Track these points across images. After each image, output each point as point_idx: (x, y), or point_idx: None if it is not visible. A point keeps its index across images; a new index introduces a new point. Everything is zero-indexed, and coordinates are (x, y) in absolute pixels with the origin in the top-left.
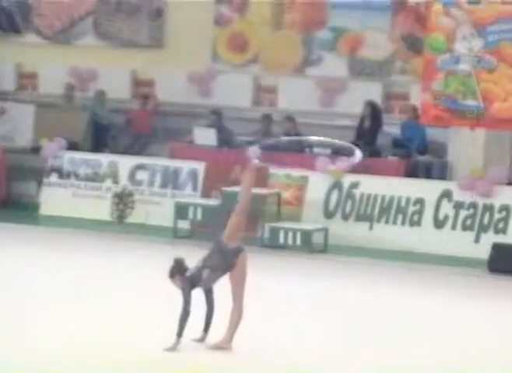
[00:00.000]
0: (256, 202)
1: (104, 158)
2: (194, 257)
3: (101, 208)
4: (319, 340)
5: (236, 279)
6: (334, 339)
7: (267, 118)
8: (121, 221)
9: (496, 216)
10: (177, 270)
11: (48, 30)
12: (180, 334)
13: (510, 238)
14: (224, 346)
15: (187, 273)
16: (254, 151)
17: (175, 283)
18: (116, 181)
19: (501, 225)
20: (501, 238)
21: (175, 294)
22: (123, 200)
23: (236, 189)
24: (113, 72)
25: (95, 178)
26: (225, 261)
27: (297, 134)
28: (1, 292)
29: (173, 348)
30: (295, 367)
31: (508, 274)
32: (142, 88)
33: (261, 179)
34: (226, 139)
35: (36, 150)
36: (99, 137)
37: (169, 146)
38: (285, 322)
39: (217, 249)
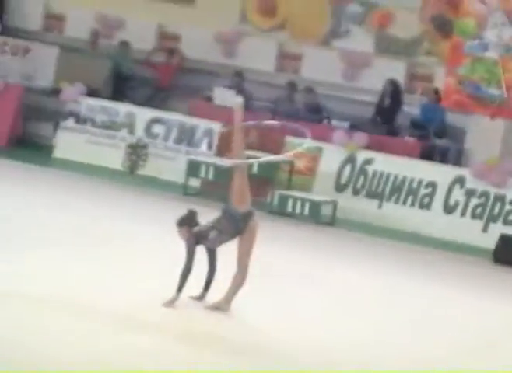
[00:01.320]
0: (268, 168)
1: (122, 108)
2: (201, 216)
3: (114, 157)
4: (312, 313)
5: (245, 244)
6: (325, 313)
7: (291, 86)
8: (133, 172)
9: (507, 207)
10: (187, 220)
11: None
12: (179, 289)
13: None
14: (222, 307)
15: (195, 228)
16: (237, 104)
17: (181, 233)
18: (132, 132)
19: (511, 217)
20: (509, 230)
21: (178, 250)
22: (136, 152)
23: (249, 153)
24: (140, 23)
25: (111, 126)
26: (234, 226)
27: (317, 106)
28: (6, 229)
29: (171, 303)
30: (288, 337)
31: None
32: (167, 42)
33: (277, 145)
34: (245, 102)
35: (55, 92)
36: (120, 87)
37: (188, 102)
38: (283, 292)
39: (227, 213)
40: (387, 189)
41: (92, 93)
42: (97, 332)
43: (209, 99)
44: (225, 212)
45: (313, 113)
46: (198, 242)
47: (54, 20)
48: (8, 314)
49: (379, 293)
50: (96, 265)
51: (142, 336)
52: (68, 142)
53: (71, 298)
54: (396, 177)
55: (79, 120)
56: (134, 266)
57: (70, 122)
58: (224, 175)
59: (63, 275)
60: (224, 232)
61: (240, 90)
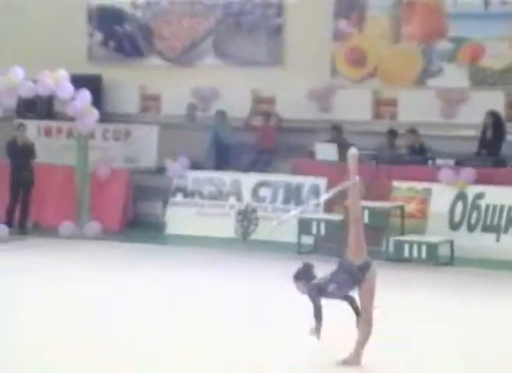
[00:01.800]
0: (379, 215)
1: (227, 176)
2: (317, 272)
3: (226, 226)
4: (448, 355)
5: (366, 294)
6: (463, 354)
7: (392, 133)
8: (246, 238)
9: None
10: (304, 274)
11: (170, 52)
12: (318, 319)
13: None
14: (353, 362)
15: (314, 281)
16: (352, 154)
17: (298, 287)
18: (239, 198)
19: None
20: None
21: (297, 306)
22: (247, 217)
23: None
24: (234, 91)
25: (219, 196)
26: (352, 278)
27: (421, 147)
28: (133, 309)
29: (315, 333)
30: None
31: None
32: (263, 105)
33: (384, 192)
34: (346, 153)
35: (160, 170)
36: (222, 156)
37: (290, 162)
38: (416, 337)
39: (343, 267)
40: (503, 221)
41: (196, 166)
42: None
43: (311, 155)
44: (341, 265)
45: (417, 155)
46: (320, 295)
47: (150, 100)
48: None
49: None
50: (230, 331)
51: None
52: (178, 217)
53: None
54: (510, 208)
55: (187, 193)
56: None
57: (178, 197)
58: (336, 229)
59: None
60: (342, 285)
61: (340, 142)
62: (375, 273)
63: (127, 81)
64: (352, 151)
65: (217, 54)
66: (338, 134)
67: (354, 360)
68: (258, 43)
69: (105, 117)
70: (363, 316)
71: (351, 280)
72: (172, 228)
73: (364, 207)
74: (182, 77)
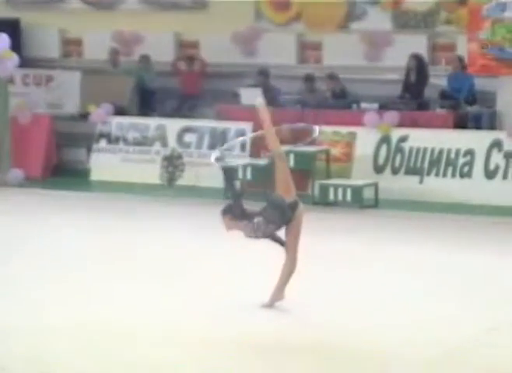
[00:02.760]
0: (305, 159)
1: (152, 122)
2: None
3: (151, 172)
4: (365, 296)
5: (293, 232)
6: (379, 294)
7: (309, 77)
8: (171, 184)
9: None
10: (231, 209)
11: None
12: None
13: None
14: (277, 298)
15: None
16: (260, 103)
17: (224, 222)
18: (164, 144)
19: None
20: None
21: (222, 256)
22: (172, 163)
23: (284, 148)
24: (157, 35)
25: (143, 142)
26: (282, 216)
27: (342, 91)
28: (53, 258)
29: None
30: (342, 324)
31: None
32: (186, 50)
33: (310, 136)
34: (272, 98)
35: (84, 116)
36: (146, 101)
37: (216, 107)
38: (336, 278)
39: (273, 204)
40: (426, 164)
41: (120, 112)
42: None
43: (236, 100)
44: (271, 202)
45: (341, 100)
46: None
47: (71, 45)
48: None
49: (435, 266)
50: (145, 282)
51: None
52: (103, 164)
53: (120, 319)
54: (433, 150)
55: (111, 140)
56: (186, 281)
57: (102, 143)
58: (262, 174)
59: (110, 294)
60: (271, 221)
61: (265, 87)
62: (302, 213)
63: (47, 25)
64: (258, 101)
65: None
66: (264, 78)
67: (278, 296)
68: None
69: (25, 62)
70: (288, 255)
71: (280, 218)
72: (96, 175)
73: (290, 152)
74: (103, 21)
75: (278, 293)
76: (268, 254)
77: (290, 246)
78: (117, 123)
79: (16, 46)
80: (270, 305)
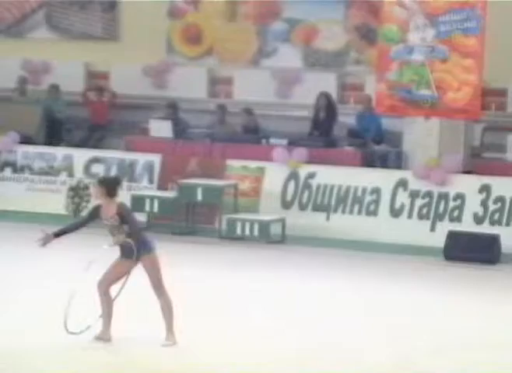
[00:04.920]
0: (213, 193)
1: (59, 152)
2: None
3: (56, 202)
4: (270, 333)
5: (153, 273)
6: (287, 333)
7: (221, 108)
8: (77, 215)
9: (451, 204)
10: (109, 182)
11: (0, 23)
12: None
13: (465, 225)
14: (171, 340)
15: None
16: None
17: (95, 191)
18: (71, 174)
19: (456, 213)
20: (456, 226)
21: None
22: (78, 194)
23: (192, 181)
24: (66, 65)
25: (50, 172)
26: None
27: (256, 127)
28: None
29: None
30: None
31: (463, 262)
32: (96, 80)
33: (218, 170)
34: (181, 131)
35: None
36: (54, 131)
37: (124, 138)
38: (240, 316)
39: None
40: (333, 201)
41: (26, 140)
42: None
43: (145, 132)
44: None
45: (250, 134)
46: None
47: None
48: None
49: (337, 303)
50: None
51: None
52: (7, 193)
53: None
54: (340, 188)
55: (16, 168)
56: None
57: (7, 172)
58: (169, 206)
59: None
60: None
61: (175, 120)
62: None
63: None
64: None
65: (50, 26)
66: (173, 111)
67: (171, 339)
68: (93, 17)
69: None
70: (161, 295)
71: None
72: (0, 204)
73: (198, 185)
74: (12, 49)
75: (171, 336)
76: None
77: (158, 287)
78: (23, 152)
79: None
80: (172, 343)
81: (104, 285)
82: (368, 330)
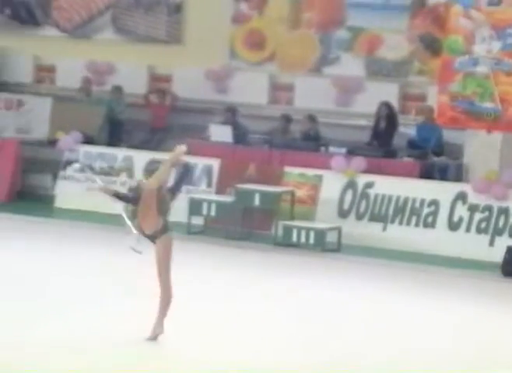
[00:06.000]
0: (270, 199)
1: (119, 153)
2: (207, 253)
3: (116, 202)
4: (321, 339)
5: (161, 262)
6: (336, 342)
7: (285, 118)
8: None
9: (511, 219)
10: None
11: (67, 24)
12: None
13: None
14: (158, 331)
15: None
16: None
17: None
18: (131, 175)
19: None
20: None
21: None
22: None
23: (250, 186)
24: (130, 67)
25: (110, 172)
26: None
27: (317, 134)
28: (13, 285)
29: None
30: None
31: None
32: (159, 83)
33: (275, 177)
34: (240, 136)
35: (52, 143)
36: (115, 132)
37: (184, 142)
38: (288, 321)
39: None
40: (390, 211)
41: (88, 140)
42: None
43: (205, 136)
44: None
45: (310, 142)
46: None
47: (44, 72)
48: None
49: (390, 315)
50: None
51: None
52: (68, 191)
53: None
54: (398, 198)
55: (78, 168)
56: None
57: (69, 171)
58: (226, 211)
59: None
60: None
61: (234, 125)
62: (171, 242)
63: (20, 50)
64: (181, 149)
65: (115, 28)
66: (231, 116)
67: (158, 329)
68: (158, 20)
69: None
70: (161, 288)
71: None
72: (61, 202)
73: (256, 191)
74: (78, 49)
75: (158, 326)
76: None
77: (161, 278)
78: (85, 152)
79: None
80: (153, 338)
81: None
82: (420, 345)
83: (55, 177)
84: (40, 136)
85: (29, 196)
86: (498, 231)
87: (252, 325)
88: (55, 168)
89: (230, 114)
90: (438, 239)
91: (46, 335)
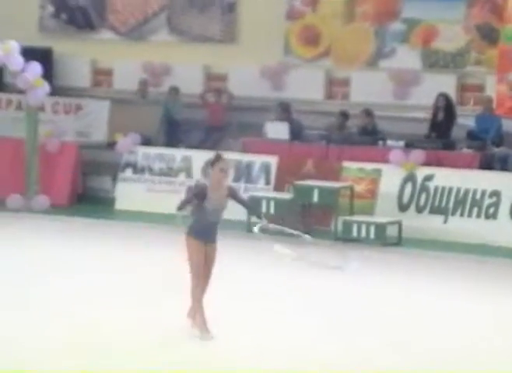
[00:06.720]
0: (329, 195)
1: (178, 153)
2: (268, 250)
3: (175, 203)
4: (384, 329)
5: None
6: (397, 332)
7: (343, 115)
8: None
9: None
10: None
11: (123, 27)
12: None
13: None
14: (204, 332)
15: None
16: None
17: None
18: (189, 175)
19: None
20: None
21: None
22: None
23: (308, 183)
24: (186, 67)
25: (169, 172)
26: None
27: (374, 128)
28: (77, 287)
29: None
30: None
31: None
32: (214, 82)
33: (333, 172)
34: (296, 133)
35: (110, 145)
36: (173, 133)
37: (241, 140)
38: (353, 316)
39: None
40: (451, 204)
41: (146, 142)
42: None
43: (261, 134)
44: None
45: (367, 136)
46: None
47: (102, 75)
48: None
49: (453, 308)
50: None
51: None
52: (128, 193)
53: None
54: (458, 190)
55: (137, 169)
56: None
57: (128, 173)
58: (285, 208)
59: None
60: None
61: (289, 121)
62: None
63: (78, 55)
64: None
65: (170, 29)
66: (285, 112)
67: (202, 329)
68: (212, 19)
69: (56, 90)
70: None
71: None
72: (121, 204)
73: (314, 186)
74: (134, 52)
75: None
76: None
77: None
78: (144, 153)
79: (48, 74)
80: (204, 337)
81: None
82: (486, 342)
83: (115, 179)
84: (98, 139)
85: (89, 199)
86: None
87: (321, 320)
88: (115, 170)
89: (281, 110)
90: (500, 230)
91: (131, 332)
